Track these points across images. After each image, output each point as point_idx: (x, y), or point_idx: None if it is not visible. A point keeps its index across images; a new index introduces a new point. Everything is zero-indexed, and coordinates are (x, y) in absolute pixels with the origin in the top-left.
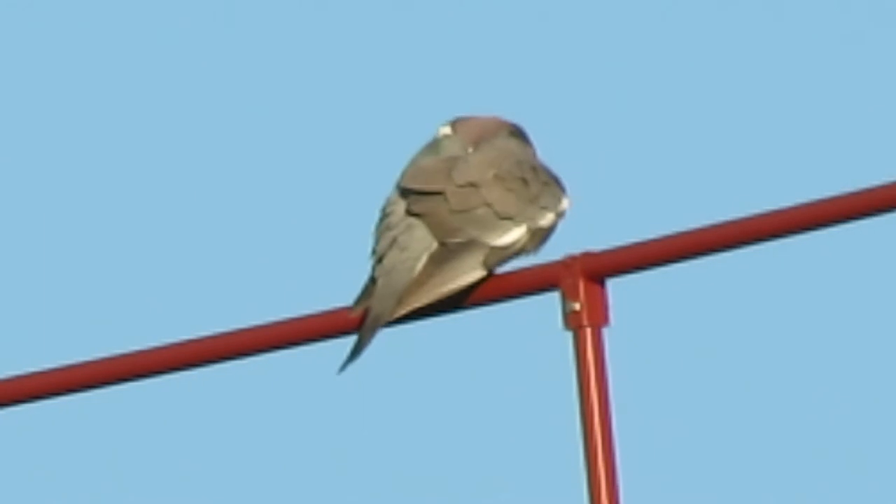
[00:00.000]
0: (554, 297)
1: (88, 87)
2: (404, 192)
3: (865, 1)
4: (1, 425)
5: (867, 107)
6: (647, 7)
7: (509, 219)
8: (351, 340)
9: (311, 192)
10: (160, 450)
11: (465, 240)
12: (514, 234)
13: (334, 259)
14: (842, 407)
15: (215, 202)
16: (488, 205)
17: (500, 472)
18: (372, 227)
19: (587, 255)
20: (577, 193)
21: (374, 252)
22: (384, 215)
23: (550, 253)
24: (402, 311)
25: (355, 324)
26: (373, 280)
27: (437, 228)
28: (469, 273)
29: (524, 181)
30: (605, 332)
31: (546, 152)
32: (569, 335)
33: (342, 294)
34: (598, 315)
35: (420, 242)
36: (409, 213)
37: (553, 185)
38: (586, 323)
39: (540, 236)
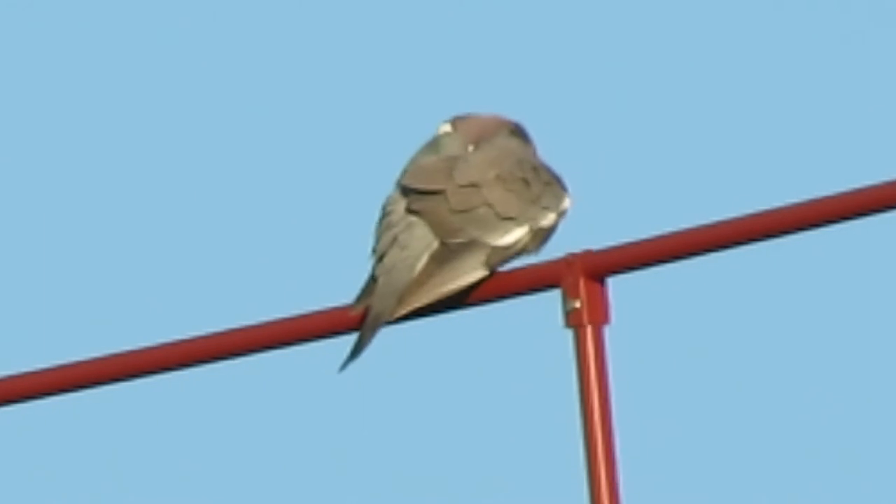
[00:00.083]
0: (555, 296)
1: (88, 86)
2: (405, 191)
3: (865, 1)
4: None
5: (864, 107)
6: (647, 7)
7: (511, 219)
8: (351, 339)
9: (311, 190)
10: (162, 449)
11: (466, 240)
12: (516, 235)
13: (335, 257)
14: (840, 405)
15: (215, 201)
16: (489, 205)
17: (500, 470)
18: (372, 226)
19: (588, 254)
20: (577, 192)
21: (374, 250)
22: (385, 214)
23: (551, 251)
24: (403, 311)
25: (356, 322)
26: (373, 278)
27: (437, 228)
28: (470, 273)
29: (525, 181)
30: (606, 330)
31: (546, 151)
32: (569, 333)
33: (343, 292)
34: (599, 313)
35: (420, 241)
36: (410, 211)
37: (554, 184)
38: (587, 321)
39: (541, 236)
